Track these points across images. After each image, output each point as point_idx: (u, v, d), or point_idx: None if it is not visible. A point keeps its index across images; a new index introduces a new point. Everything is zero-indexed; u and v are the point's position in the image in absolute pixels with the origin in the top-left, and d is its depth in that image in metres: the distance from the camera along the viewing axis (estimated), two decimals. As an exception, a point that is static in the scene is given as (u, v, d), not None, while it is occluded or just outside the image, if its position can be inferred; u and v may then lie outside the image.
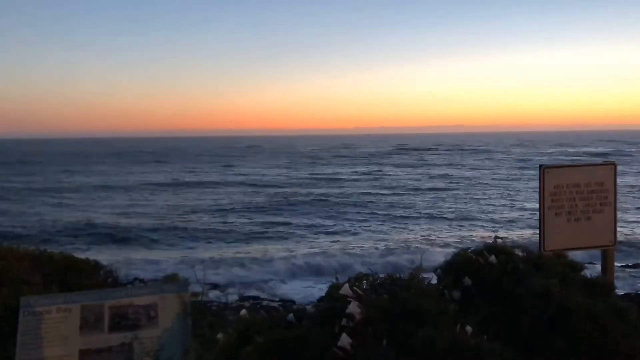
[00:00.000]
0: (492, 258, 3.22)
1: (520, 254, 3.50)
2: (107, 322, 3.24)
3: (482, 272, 3.13)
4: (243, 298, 14.40)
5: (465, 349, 2.12)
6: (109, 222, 27.78)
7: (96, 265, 6.08)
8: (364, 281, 2.80)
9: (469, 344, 2.14)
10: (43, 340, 3.09)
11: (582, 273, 3.33)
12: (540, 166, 4.50)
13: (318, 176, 53.16)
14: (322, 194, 37.67)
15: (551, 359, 2.48)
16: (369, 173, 56.41)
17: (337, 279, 2.98)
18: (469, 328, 2.28)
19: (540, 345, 2.54)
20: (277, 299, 14.59)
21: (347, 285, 2.55)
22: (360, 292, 2.50)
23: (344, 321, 2.38)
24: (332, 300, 2.62)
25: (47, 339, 3.10)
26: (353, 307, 2.34)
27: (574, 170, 4.59)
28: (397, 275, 2.82)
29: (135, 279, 15.73)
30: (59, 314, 3.19)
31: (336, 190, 40.30)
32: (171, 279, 4.17)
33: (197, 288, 5.00)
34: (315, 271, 17.45)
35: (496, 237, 3.73)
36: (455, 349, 2.11)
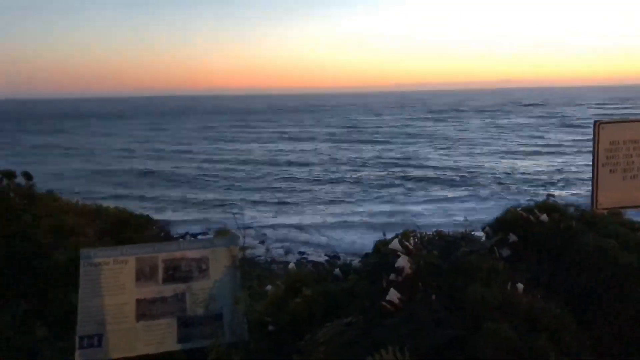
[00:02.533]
0: (544, 216, 3.14)
1: (573, 212, 3.40)
2: (161, 273, 3.37)
3: (532, 230, 3.07)
4: (289, 252, 14.71)
5: (517, 307, 2.09)
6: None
7: (149, 220, 6.30)
8: (412, 237, 2.80)
9: (521, 301, 2.12)
10: (102, 289, 3.26)
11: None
12: (595, 122, 4.31)
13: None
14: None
15: (605, 319, 2.43)
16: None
17: (384, 234, 2.99)
18: (520, 285, 2.25)
19: (594, 306, 2.49)
20: (323, 254, 14.85)
21: (396, 240, 2.55)
22: (410, 247, 2.49)
23: (392, 275, 2.39)
24: (381, 255, 2.63)
25: (106, 288, 3.26)
26: (402, 261, 2.34)
27: (631, 125, 4.37)
28: (447, 232, 2.80)
29: (187, 233, 16.33)
30: (116, 265, 3.34)
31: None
32: (221, 233, 4.28)
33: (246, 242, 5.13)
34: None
35: (548, 194, 3.63)
36: (507, 306, 2.09)
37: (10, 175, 5.39)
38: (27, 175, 5.57)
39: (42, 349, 3.70)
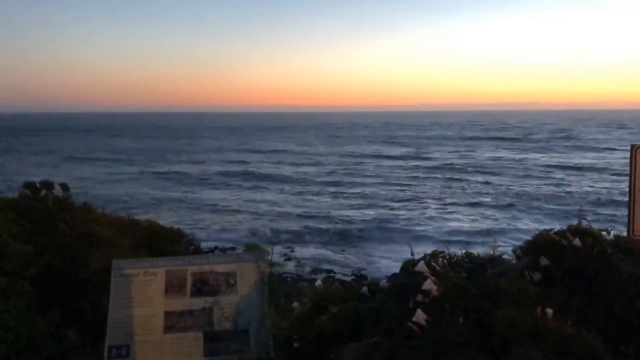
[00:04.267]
0: (577, 241, 3.07)
1: (608, 237, 3.31)
2: (189, 286, 3.41)
3: (564, 255, 3.00)
4: (316, 270, 14.67)
5: (547, 333, 2.04)
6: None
7: (179, 233, 6.40)
8: (440, 258, 2.77)
9: (550, 327, 2.07)
10: (132, 300, 3.31)
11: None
12: (633, 145, 4.20)
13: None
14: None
15: (640, 349, 2.34)
16: None
17: (412, 254, 2.96)
18: (549, 310, 2.20)
19: (629, 336, 2.41)
20: (350, 273, 14.76)
21: (422, 262, 2.52)
22: (437, 269, 2.47)
23: (419, 297, 2.37)
24: (408, 276, 2.61)
25: (136, 300, 3.31)
26: (429, 284, 2.32)
27: None
28: (476, 254, 2.76)
29: (216, 247, 16.52)
30: (146, 277, 3.40)
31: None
32: (251, 248, 4.31)
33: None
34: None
35: (580, 218, 3.54)
36: (536, 331, 2.05)
37: (49, 186, 5.55)
38: (64, 187, 5.72)
39: (74, 357, 3.77)
